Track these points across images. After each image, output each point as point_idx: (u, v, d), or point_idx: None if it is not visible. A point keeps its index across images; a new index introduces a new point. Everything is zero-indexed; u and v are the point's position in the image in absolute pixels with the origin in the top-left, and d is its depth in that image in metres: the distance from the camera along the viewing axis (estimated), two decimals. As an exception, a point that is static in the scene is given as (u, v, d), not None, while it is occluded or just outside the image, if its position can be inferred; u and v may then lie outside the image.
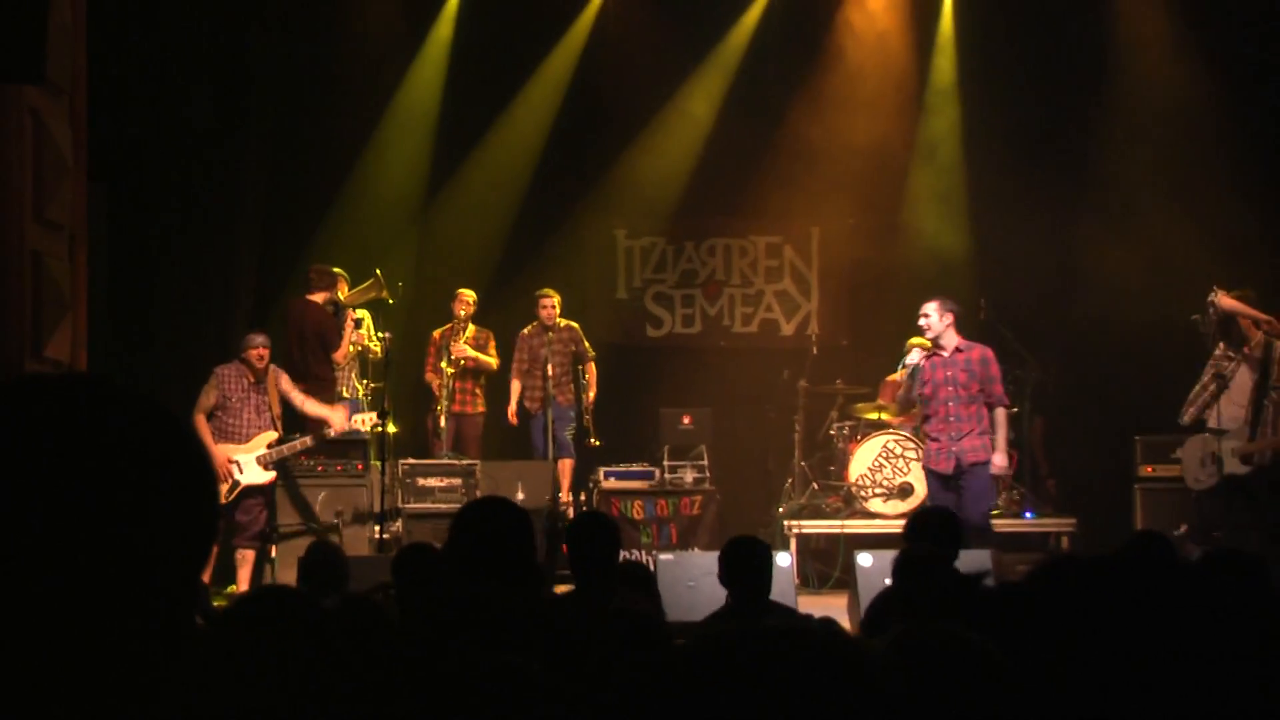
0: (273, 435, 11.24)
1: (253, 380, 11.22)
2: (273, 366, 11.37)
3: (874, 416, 12.85)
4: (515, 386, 13.27)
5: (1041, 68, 14.28)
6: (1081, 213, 14.17)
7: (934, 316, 10.40)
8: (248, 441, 11.13)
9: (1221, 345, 11.39)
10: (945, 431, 10.36)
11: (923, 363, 10.49)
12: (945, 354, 10.44)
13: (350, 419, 11.33)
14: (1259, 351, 11.21)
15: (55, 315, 7.53)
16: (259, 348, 11.23)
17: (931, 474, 10.58)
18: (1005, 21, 14.23)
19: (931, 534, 6.64)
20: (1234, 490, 11.28)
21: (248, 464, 11.08)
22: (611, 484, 12.45)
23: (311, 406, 11.36)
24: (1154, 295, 12.93)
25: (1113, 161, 14.02)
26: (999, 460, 10.36)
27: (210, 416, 11.07)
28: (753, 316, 15.45)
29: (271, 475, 11.23)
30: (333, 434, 11.34)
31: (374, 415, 11.48)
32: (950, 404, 10.36)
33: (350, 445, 11.73)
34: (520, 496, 11.87)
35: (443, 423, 13.05)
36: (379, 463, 11.49)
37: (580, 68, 14.54)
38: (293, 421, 11.86)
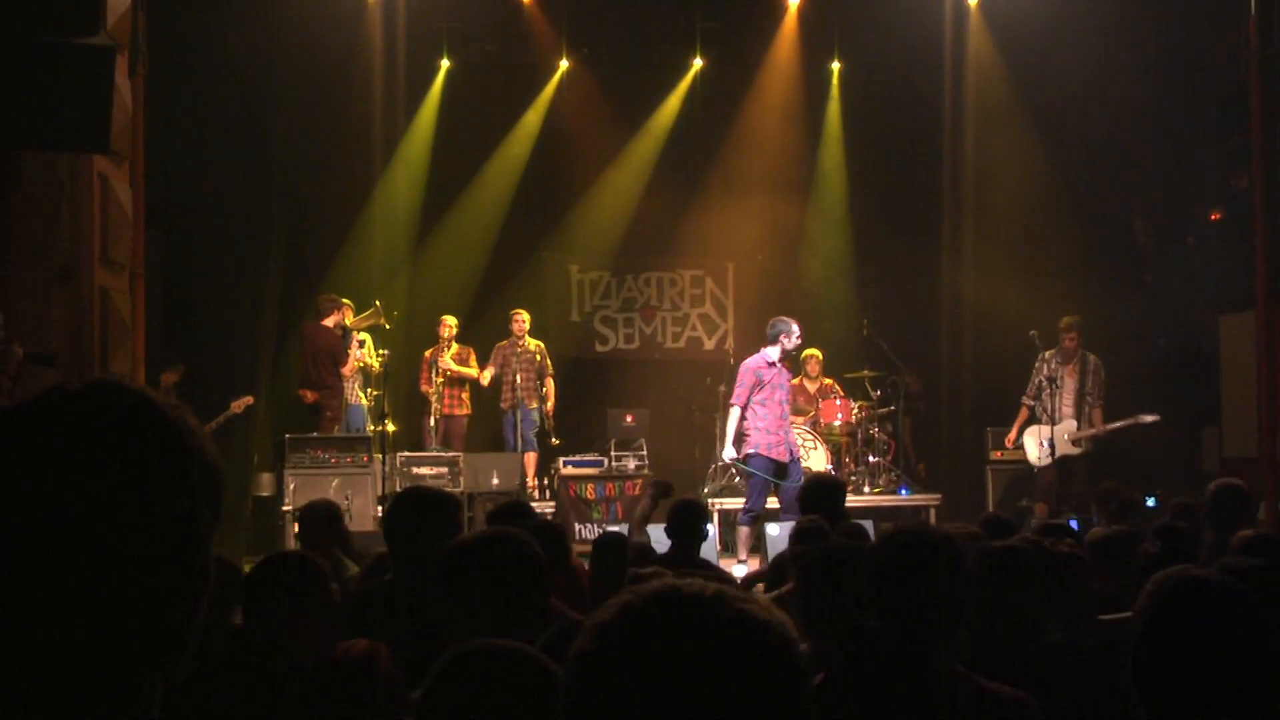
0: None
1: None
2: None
3: (779, 414, 12.81)
4: (489, 374, 13.19)
5: (908, 140, 14.45)
6: (941, 254, 14.34)
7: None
8: None
9: (1050, 352, 11.74)
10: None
11: None
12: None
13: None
14: (1078, 363, 11.60)
15: (119, 338, 7.58)
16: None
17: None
18: (880, 106, 14.33)
19: (821, 498, 6.68)
20: (1064, 468, 11.58)
21: None
22: (569, 470, 12.42)
23: None
24: (998, 317, 13.13)
25: (966, 213, 14.15)
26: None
27: None
28: (681, 335, 15.52)
29: None
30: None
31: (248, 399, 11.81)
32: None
33: (358, 441, 11.74)
34: (495, 482, 11.93)
35: (433, 423, 13.09)
36: (380, 455, 11.51)
37: (541, 137, 14.58)
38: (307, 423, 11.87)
